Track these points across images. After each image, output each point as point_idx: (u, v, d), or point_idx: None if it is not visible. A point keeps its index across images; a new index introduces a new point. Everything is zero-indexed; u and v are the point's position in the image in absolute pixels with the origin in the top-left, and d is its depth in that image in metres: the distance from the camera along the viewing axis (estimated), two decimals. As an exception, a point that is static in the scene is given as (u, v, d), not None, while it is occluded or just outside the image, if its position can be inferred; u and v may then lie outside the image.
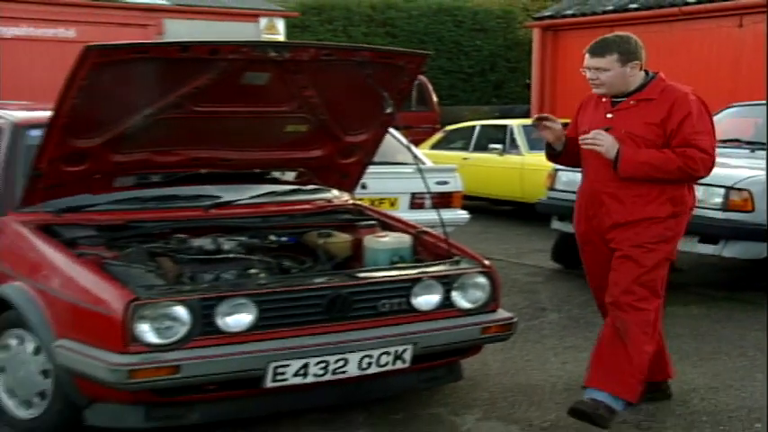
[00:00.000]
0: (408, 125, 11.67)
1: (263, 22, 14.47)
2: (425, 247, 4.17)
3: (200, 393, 3.39)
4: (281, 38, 14.79)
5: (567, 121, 4.06)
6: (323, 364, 3.44)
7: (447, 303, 3.79)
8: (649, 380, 3.88)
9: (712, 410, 4.10)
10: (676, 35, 13.14)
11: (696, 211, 6.07)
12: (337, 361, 3.47)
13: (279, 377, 3.38)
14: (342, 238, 4.18)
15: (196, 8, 13.73)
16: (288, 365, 3.38)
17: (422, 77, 13.87)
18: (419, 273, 3.80)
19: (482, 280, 3.89)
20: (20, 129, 4.38)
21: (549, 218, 7.14)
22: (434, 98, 15.80)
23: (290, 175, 4.75)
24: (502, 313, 3.95)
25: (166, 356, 3.23)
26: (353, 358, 3.50)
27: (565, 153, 3.92)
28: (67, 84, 3.46)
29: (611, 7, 14.45)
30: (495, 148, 10.48)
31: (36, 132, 4.04)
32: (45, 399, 3.61)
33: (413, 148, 6.26)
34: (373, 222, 4.45)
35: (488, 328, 3.86)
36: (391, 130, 5.30)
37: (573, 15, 14.89)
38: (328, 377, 3.48)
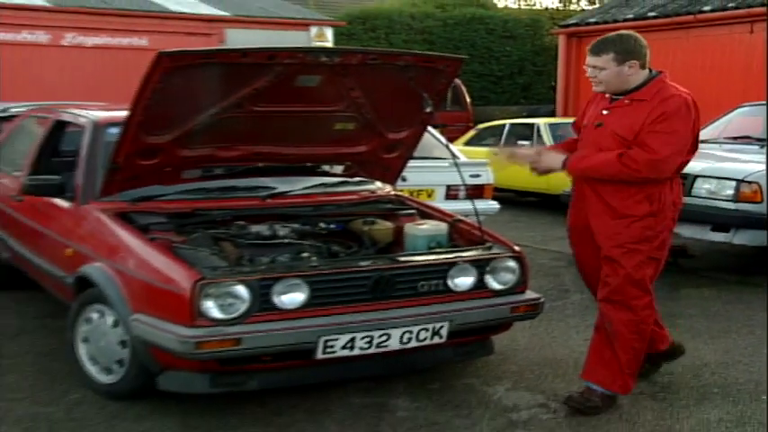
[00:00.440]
0: (444, 124, 11.62)
1: (314, 30, 14.49)
2: (460, 234, 4.16)
3: (258, 363, 3.42)
4: (329, 45, 14.79)
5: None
6: (368, 339, 3.45)
7: (480, 285, 3.77)
8: (655, 351, 3.81)
9: (722, 383, 4.05)
10: (692, 41, 12.93)
11: (709, 202, 6.10)
12: (381, 336, 3.47)
13: (328, 350, 3.40)
14: (384, 226, 4.17)
15: (254, 19, 13.78)
16: (336, 339, 3.40)
17: (456, 80, 13.77)
18: (455, 257, 3.79)
19: (512, 264, 3.87)
20: (100, 127, 4.45)
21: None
22: (468, 99, 15.70)
23: (338, 169, 4.76)
24: (530, 294, 3.93)
25: (229, 330, 3.26)
26: (395, 333, 3.50)
27: None
28: (142, 86, 3.50)
29: (631, 15, 14.25)
30: (523, 145, 10.39)
31: (114, 130, 4.10)
32: (123, 366, 3.66)
33: (450, 145, 6.25)
34: (413, 211, 4.44)
35: (517, 308, 3.84)
36: (428, 127, 5.28)
37: (596, 23, 14.70)
38: (372, 350, 3.48)
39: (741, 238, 6.01)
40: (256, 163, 4.32)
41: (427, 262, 3.74)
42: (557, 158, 3.62)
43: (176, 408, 3.58)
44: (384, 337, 3.48)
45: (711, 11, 12.77)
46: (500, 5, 24.62)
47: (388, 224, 4.20)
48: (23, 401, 3.71)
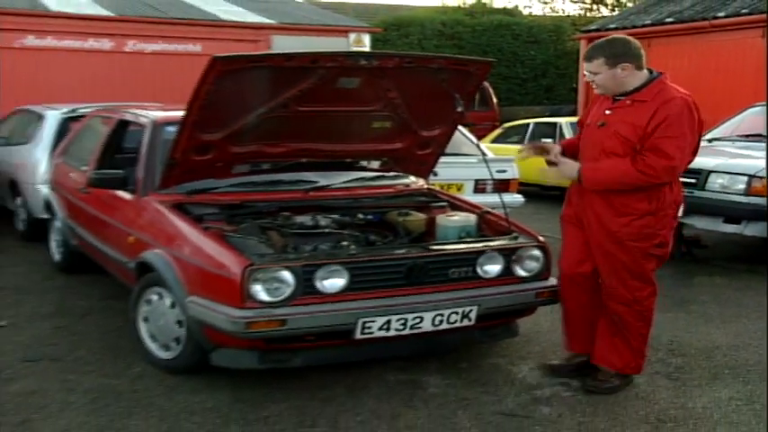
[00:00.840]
0: (472, 123, 11.56)
1: (352, 36, 14.46)
2: (488, 225, 4.13)
3: (301, 342, 3.43)
4: (366, 50, 14.78)
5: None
6: (402, 321, 3.44)
7: (507, 272, 3.74)
8: (576, 350, 3.68)
9: (733, 365, 3.99)
10: (706, 45, 12.71)
11: (722, 196, 6.01)
12: (414, 318, 3.46)
13: (366, 331, 3.39)
14: (418, 217, 4.16)
15: (298, 26, 13.80)
16: (374, 321, 3.39)
17: (484, 82, 13.72)
18: (483, 246, 3.77)
19: (537, 252, 3.83)
20: (158, 126, 4.49)
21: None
22: (494, 100, 15.60)
23: (375, 164, 4.75)
24: (553, 281, 3.87)
25: (275, 312, 3.27)
26: (428, 316, 3.48)
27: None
28: (197, 88, 3.52)
29: (649, 21, 14.02)
30: (546, 142, 10.30)
31: (171, 128, 4.12)
32: (179, 343, 3.70)
33: (481, 145, 6.20)
34: (444, 204, 4.42)
35: (541, 293, 3.80)
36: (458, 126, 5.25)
37: (615, 29, 14.45)
38: (407, 331, 3.47)
39: (752, 229, 5.94)
40: (300, 159, 4.32)
41: (458, 250, 3.73)
42: (573, 169, 3.46)
43: (228, 381, 3.62)
44: (417, 320, 3.47)
45: (726, 16, 12.55)
46: (525, 13, 24.39)
47: (422, 215, 4.18)
48: (92, 374, 3.77)
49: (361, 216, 4.16)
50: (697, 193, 6.05)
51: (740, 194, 5.92)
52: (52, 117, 7.21)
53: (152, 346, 3.85)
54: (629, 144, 3.32)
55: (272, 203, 4.07)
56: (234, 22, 13.46)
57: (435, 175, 4.91)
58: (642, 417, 3.35)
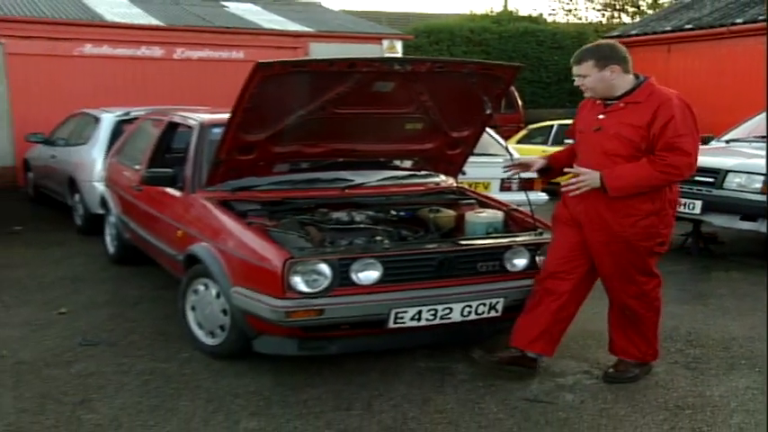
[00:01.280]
0: (498, 125, 11.48)
1: (386, 43, 14.44)
2: (514, 221, 4.11)
3: (338, 331, 3.44)
4: (400, 56, 14.74)
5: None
6: (433, 311, 3.44)
7: (532, 265, 3.71)
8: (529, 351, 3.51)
9: (749, 355, 3.92)
10: (724, 51, 12.47)
11: (739, 194, 5.90)
12: (444, 309, 3.46)
13: (398, 320, 3.39)
14: (448, 213, 4.15)
15: (334, 33, 13.81)
16: (406, 311, 3.39)
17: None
18: (509, 241, 3.75)
19: (560, 247, 3.79)
20: (205, 128, 4.52)
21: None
22: (519, 102, 15.47)
23: (408, 163, 4.74)
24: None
25: (314, 302, 3.28)
26: (457, 307, 3.48)
27: (552, 171, 3.70)
28: (241, 92, 3.54)
29: (669, 28, 13.79)
30: (569, 143, 10.19)
31: (217, 130, 4.16)
32: (224, 331, 3.73)
33: (509, 146, 6.15)
34: (472, 201, 4.40)
35: (564, 286, 3.77)
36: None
37: (637, 35, 14.27)
38: (437, 321, 3.47)
39: (768, 226, 5.83)
40: (337, 158, 4.33)
41: (485, 245, 3.71)
42: (595, 178, 3.28)
43: (270, 367, 3.64)
44: (447, 311, 3.46)
45: (743, 23, 12.31)
46: (549, 20, 24.15)
47: (451, 212, 4.17)
48: (144, 358, 3.82)
49: (393, 212, 4.16)
50: (715, 191, 5.96)
51: (757, 193, 5.83)
52: (107, 119, 7.32)
53: (199, 333, 3.88)
54: (632, 144, 3.24)
55: (310, 200, 4.09)
56: (274, 30, 13.51)
57: (463, 174, 4.89)
58: (661, 404, 3.31)
